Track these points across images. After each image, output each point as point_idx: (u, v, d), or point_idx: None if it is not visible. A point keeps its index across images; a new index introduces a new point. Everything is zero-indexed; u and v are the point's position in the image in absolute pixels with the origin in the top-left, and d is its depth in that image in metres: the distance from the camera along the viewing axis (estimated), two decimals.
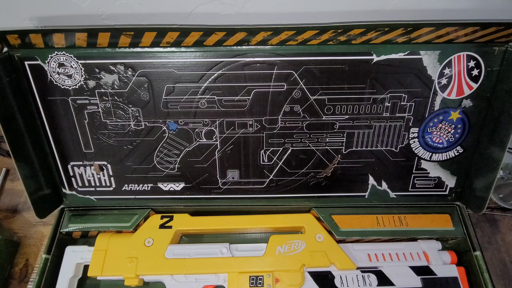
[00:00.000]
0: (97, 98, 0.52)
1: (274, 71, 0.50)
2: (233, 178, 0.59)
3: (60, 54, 0.49)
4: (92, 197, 0.60)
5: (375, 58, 0.50)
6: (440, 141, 0.55)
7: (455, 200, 0.60)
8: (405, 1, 0.49)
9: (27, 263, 0.61)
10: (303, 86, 0.51)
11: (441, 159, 0.57)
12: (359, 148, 0.56)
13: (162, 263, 0.54)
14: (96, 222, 0.58)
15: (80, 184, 0.59)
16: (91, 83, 0.51)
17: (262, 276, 0.53)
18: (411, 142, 0.56)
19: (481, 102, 0.52)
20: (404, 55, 0.49)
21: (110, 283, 0.56)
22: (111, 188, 0.59)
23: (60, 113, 0.53)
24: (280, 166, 0.58)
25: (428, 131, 0.55)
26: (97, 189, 0.59)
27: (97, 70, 0.50)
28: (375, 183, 0.59)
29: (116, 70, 0.50)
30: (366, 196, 0.60)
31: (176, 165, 0.58)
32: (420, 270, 0.54)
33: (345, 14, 0.50)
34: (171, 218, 0.58)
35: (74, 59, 0.49)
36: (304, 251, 0.55)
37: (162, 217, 0.58)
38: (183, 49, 0.49)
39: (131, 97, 0.52)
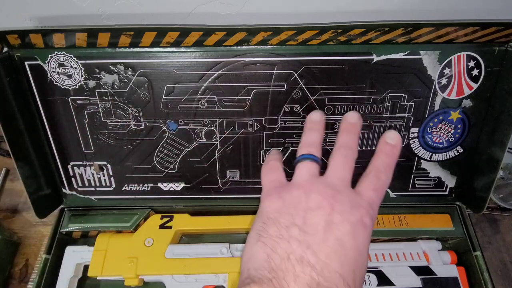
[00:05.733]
0: (97, 98, 0.52)
1: (274, 71, 0.50)
2: (233, 178, 0.59)
3: (60, 54, 0.49)
4: (92, 197, 0.60)
5: (375, 58, 0.50)
6: (440, 141, 0.55)
7: (455, 200, 0.60)
8: (405, 1, 0.49)
9: (27, 263, 0.61)
10: (303, 86, 0.51)
11: (441, 159, 0.57)
12: (359, 148, 0.56)
13: (162, 263, 0.54)
14: (96, 222, 0.58)
15: (80, 184, 0.59)
16: (91, 83, 0.51)
17: None
18: (411, 142, 0.56)
19: (481, 102, 0.52)
20: (404, 55, 0.49)
21: (110, 283, 0.56)
22: (111, 188, 0.59)
23: (60, 113, 0.53)
24: None
25: (428, 131, 0.55)
26: (97, 189, 0.59)
27: (97, 70, 0.50)
28: None
29: (116, 70, 0.50)
30: None
31: (176, 165, 0.58)
32: (420, 270, 0.54)
33: (345, 14, 0.50)
34: (171, 218, 0.58)
35: (74, 59, 0.49)
36: None
37: (162, 217, 0.58)
38: (183, 49, 0.49)
39: (131, 97, 0.52)
